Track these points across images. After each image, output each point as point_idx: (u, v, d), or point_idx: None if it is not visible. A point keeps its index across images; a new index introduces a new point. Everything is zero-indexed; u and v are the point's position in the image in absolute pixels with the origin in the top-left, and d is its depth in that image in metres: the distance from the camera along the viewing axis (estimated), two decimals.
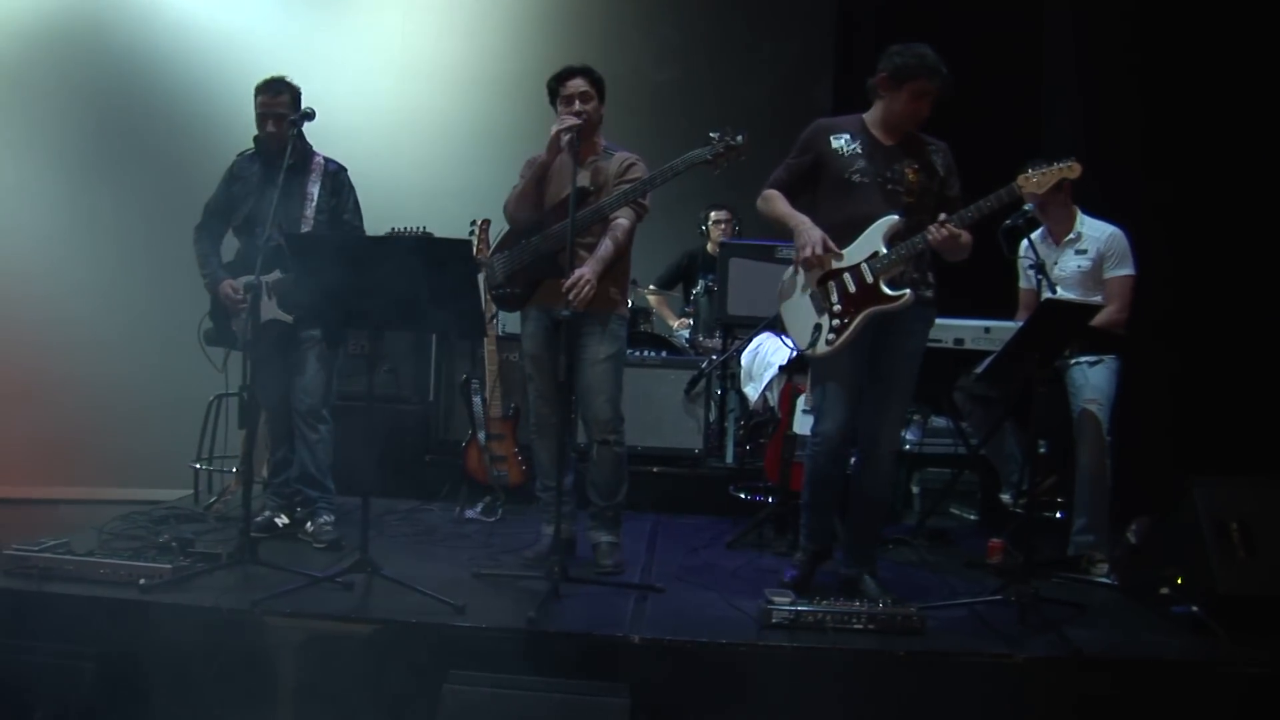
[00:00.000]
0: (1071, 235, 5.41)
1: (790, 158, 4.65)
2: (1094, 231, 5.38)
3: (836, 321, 4.48)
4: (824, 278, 4.52)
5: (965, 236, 4.43)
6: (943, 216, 4.39)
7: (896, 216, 4.44)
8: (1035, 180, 4.42)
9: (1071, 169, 4.42)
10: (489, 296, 5.15)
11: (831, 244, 4.43)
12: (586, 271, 4.65)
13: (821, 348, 4.50)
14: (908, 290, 4.41)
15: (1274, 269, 5.99)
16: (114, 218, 7.62)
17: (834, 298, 4.50)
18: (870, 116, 4.61)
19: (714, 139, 4.70)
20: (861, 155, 4.51)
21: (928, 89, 4.46)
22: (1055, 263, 5.43)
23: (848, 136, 4.56)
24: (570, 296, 4.58)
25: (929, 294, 4.55)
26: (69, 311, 7.56)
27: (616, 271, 4.90)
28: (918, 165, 4.51)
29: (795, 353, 5.18)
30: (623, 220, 4.84)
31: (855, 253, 4.46)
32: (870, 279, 4.45)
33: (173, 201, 6.36)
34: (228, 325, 5.27)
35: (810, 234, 4.44)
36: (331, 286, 4.43)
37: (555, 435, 4.94)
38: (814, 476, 4.68)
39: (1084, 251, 5.38)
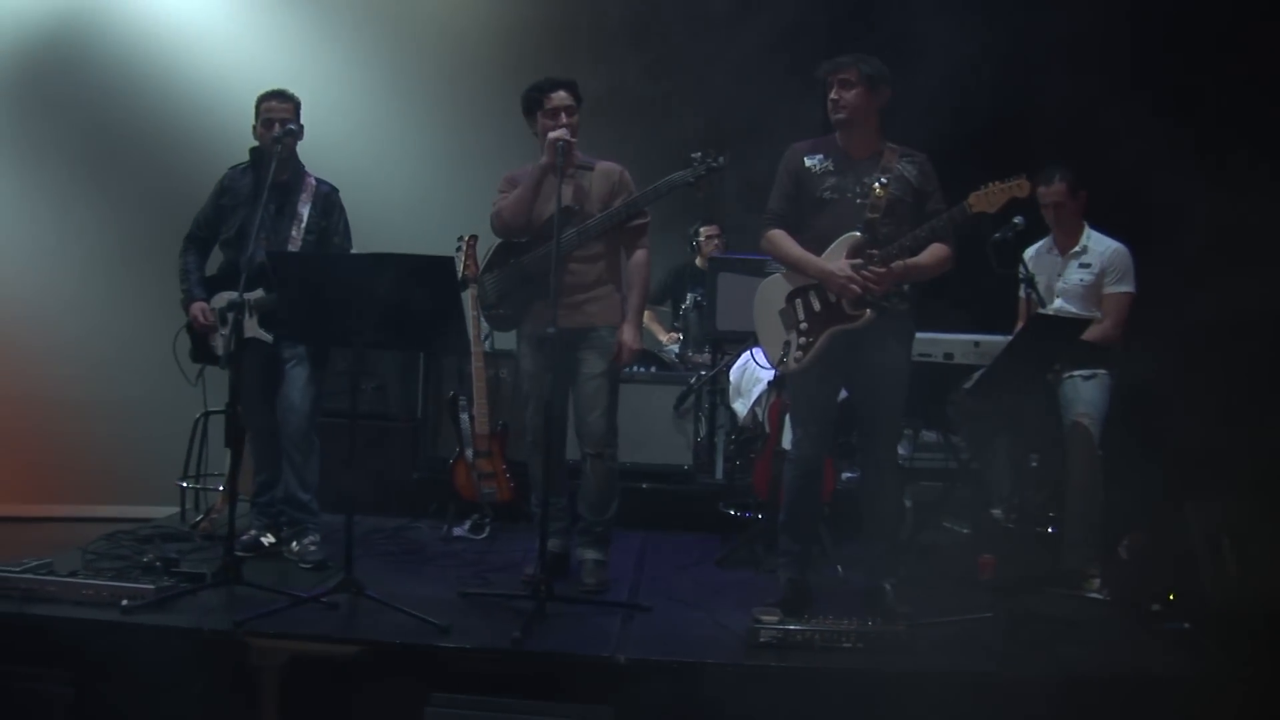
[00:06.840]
0: (1077, 248, 5.40)
1: (777, 188, 4.62)
2: (1099, 246, 5.37)
3: (803, 339, 4.49)
4: (792, 294, 4.52)
5: (903, 265, 4.38)
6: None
7: (857, 233, 4.41)
8: (985, 197, 4.38)
9: (1020, 187, 4.37)
10: (483, 316, 5.14)
11: (855, 266, 4.38)
12: (628, 340, 4.87)
13: (790, 365, 4.51)
14: (868, 310, 4.39)
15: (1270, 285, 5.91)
16: (101, 234, 7.54)
17: (800, 315, 4.51)
18: (841, 133, 4.59)
19: (695, 160, 4.72)
20: (833, 172, 4.50)
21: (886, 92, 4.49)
22: (1059, 274, 5.43)
23: (820, 156, 4.55)
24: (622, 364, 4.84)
25: (903, 307, 4.51)
26: (56, 328, 7.49)
27: (610, 289, 4.92)
28: (887, 178, 4.46)
29: (770, 369, 5.15)
30: (639, 253, 4.93)
31: None
32: (833, 297, 4.44)
33: (160, 217, 6.34)
34: (204, 341, 5.25)
35: (837, 278, 4.38)
36: (315, 305, 4.40)
37: (548, 452, 4.91)
38: (790, 493, 4.66)
39: (1088, 265, 5.36)
